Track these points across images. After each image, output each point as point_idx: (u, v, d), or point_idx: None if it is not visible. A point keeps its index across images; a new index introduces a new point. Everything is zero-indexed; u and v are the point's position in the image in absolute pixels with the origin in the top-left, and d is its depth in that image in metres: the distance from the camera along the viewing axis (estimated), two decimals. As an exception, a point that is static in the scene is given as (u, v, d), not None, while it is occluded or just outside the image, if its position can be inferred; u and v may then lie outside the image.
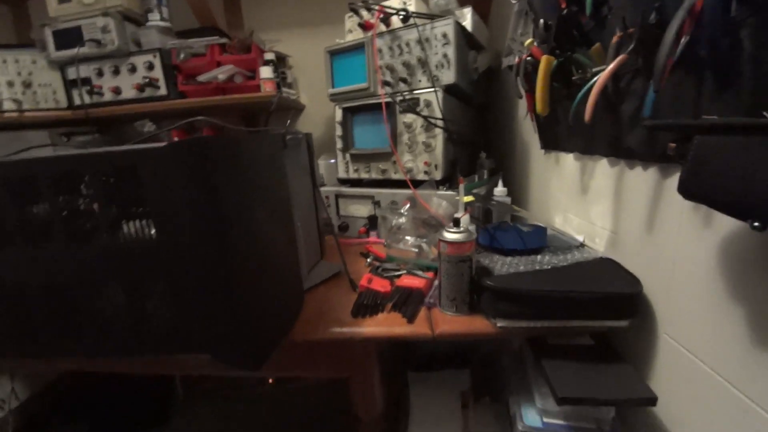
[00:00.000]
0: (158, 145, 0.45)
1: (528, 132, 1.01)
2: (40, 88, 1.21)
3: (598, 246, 0.71)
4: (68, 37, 1.16)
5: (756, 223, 0.33)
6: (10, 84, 1.16)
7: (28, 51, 1.19)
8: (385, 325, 0.61)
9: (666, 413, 0.55)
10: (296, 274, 0.65)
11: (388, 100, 0.93)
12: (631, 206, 0.61)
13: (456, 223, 0.60)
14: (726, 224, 0.44)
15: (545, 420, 0.61)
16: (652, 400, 0.52)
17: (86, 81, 1.22)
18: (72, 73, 1.22)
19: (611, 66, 0.51)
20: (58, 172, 0.46)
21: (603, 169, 0.69)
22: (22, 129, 1.26)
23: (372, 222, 1.01)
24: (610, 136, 0.62)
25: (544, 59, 0.66)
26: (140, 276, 0.49)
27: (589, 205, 0.74)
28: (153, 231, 0.48)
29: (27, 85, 1.18)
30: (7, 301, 0.53)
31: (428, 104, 0.89)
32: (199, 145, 0.44)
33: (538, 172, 0.99)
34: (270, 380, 1.70)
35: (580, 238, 0.76)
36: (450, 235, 0.59)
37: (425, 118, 0.88)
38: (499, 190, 0.91)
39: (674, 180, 0.51)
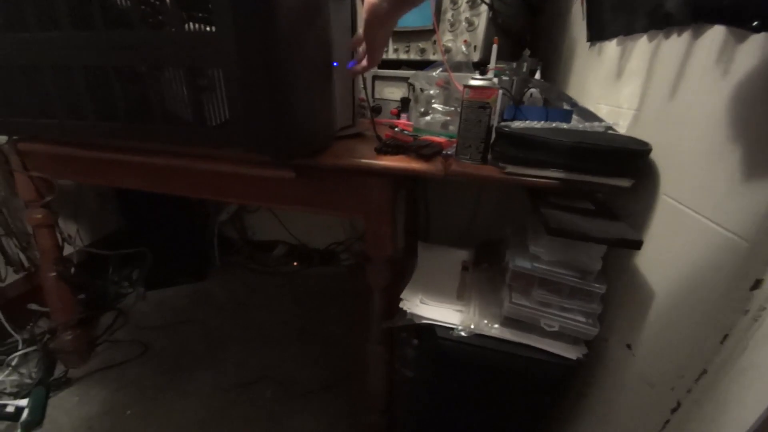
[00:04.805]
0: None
1: (577, 29, 0.98)
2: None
3: (621, 129, 0.73)
4: None
5: (755, 23, 0.35)
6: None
7: None
8: (403, 162, 0.68)
9: (649, 268, 0.61)
10: (329, 108, 0.71)
11: (437, -28, 0.92)
12: (659, 78, 0.62)
13: (482, 72, 0.63)
14: (743, 67, 0.45)
15: (535, 264, 0.68)
16: (638, 243, 0.57)
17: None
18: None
19: None
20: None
21: (641, 47, 0.69)
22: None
23: (404, 104, 1.05)
24: (653, 5, 0.62)
25: None
26: (199, 65, 0.57)
27: (621, 89, 0.75)
28: (213, 28, 0.55)
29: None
30: (89, 84, 0.63)
31: (477, -22, 0.88)
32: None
33: (579, 69, 0.98)
34: (294, 263, 1.89)
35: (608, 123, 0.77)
36: (474, 81, 0.63)
37: (472, -10, 0.88)
38: (536, 80, 0.91)
39: (704, 39, 0.52)
